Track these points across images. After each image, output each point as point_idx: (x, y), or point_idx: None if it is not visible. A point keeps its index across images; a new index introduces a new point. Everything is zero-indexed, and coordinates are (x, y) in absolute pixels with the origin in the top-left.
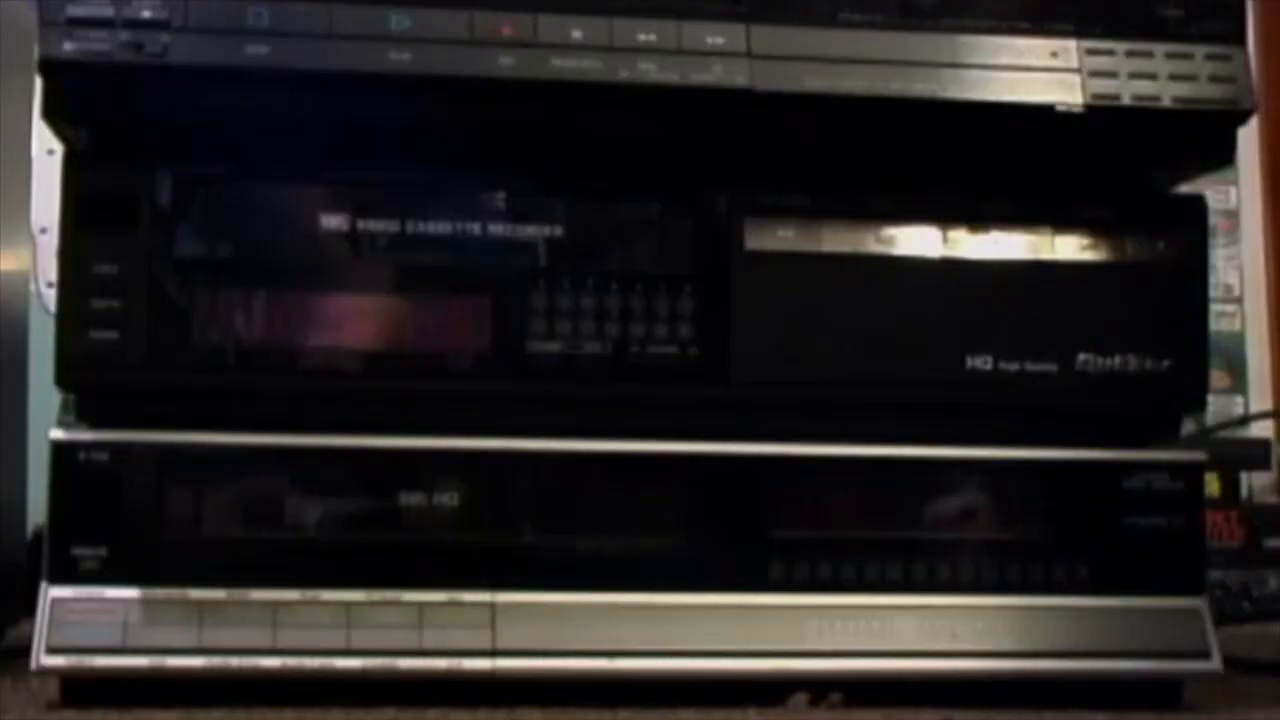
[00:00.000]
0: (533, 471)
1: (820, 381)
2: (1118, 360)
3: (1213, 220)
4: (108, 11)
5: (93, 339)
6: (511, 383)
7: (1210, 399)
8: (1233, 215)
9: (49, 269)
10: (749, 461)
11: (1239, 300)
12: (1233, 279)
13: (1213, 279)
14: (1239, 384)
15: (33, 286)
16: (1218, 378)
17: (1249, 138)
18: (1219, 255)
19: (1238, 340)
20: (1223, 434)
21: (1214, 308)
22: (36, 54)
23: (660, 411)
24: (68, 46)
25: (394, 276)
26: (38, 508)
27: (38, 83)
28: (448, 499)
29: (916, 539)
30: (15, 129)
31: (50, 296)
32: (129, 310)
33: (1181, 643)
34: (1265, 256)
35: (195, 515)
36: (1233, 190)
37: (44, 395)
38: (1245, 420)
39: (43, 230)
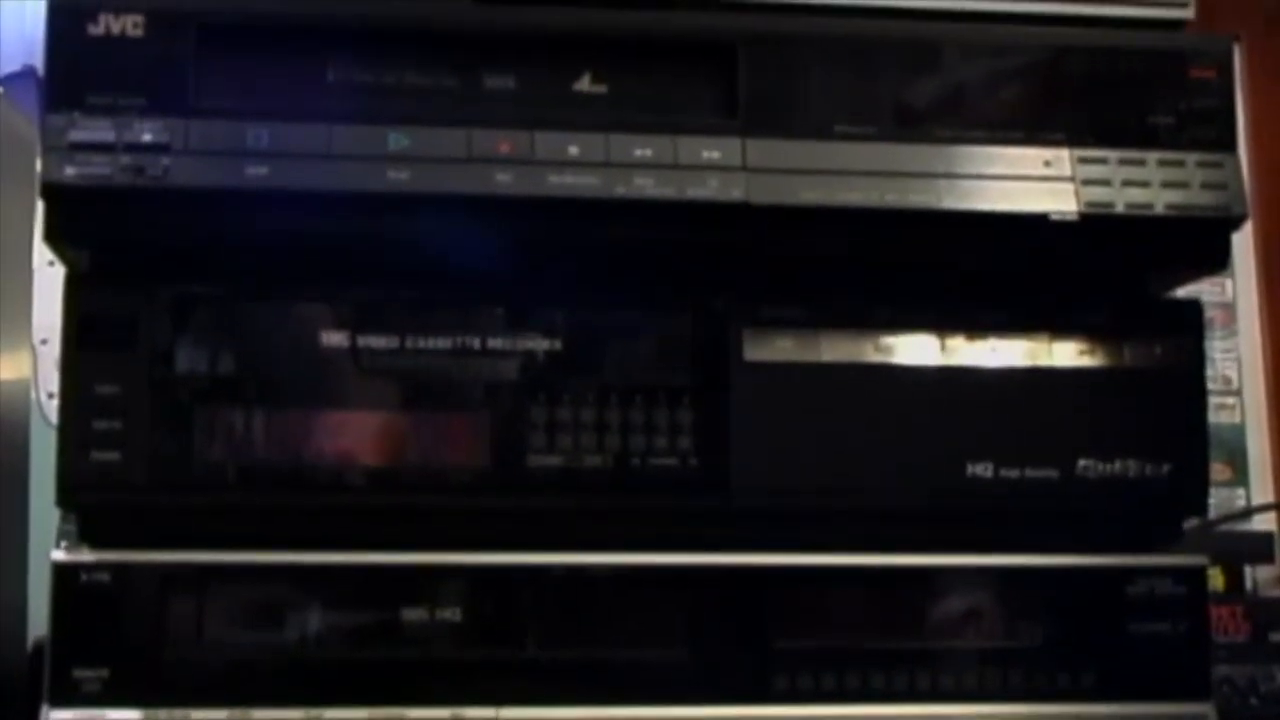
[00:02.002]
0: (535, 585)
1: (821, 491)
2: (1118, 465)
3: (1210, 313)
4: (109, 136)
5: (94, 460)
6: (512, 497)
7: (1212, 491)
8: (1229, 307)
9: (50, 380)
10: (751, 572)
11: (1238, 392)
12: (1231, 371)
13: (1211, 371)
14: (1240, 476)
15: (34, 395)
16: (1219, 470)
17: (1243, 229)
18: (1217, 348)
19: (1238, 432)
20: (1225, 527)
21: (1213, 400)
22: (38, 177)
23: (661, 523)
24: (70, 171)
25: (394, 392)
26: (38, 618)
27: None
28: (450, 614)
29: (920, 648)
30: (16, 239)
31: (51, 407)
32: (130, 430)
33: None
34: (1263, 348)
35: (197, 635)
36: (1229, 283)
37: (45, 503)
38: (1248, 513)
39: (43, 341)
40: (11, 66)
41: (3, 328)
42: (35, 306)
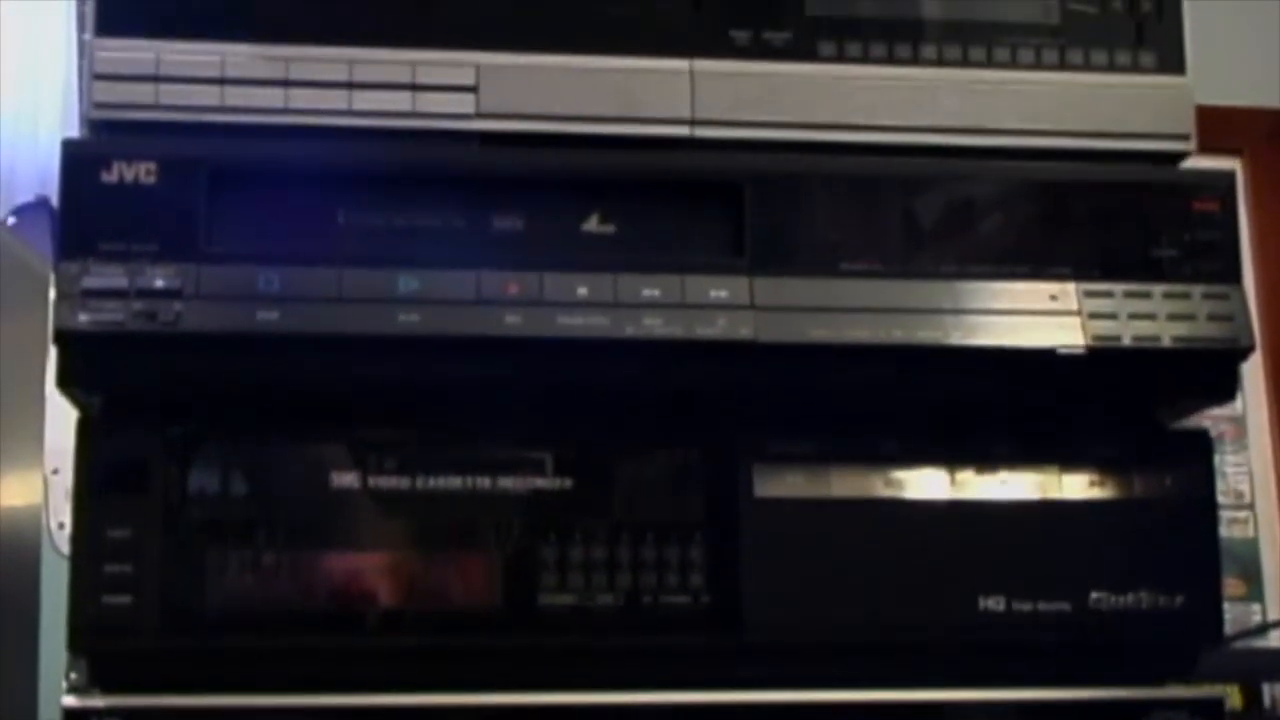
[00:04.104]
0: None
1: (834, 626)
2: (1131, 597)
3: (1220, 427)
4: (121, 282)
5: (105, 604)
6: (524, 636)
7: (1226, 607)
8: (1239, 421)
9: (61, 509)
10: (764, 710)
11: (1250, 506)
12: (1243, 485)
13: (1223, 485)
14: (1255, 591)
15: (45, 523)
16: (1232, 586)
17: None
18: (1228, 462)
19: (1251, 547)
20: (1241, 644)
21: (1225, 514)
22: (51, 324)
23: (674, 661)
24: (83, 318)
25: (405, 532)
26: None
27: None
28: None
29: None
30: (29, 368)
31: (62, 537)
32: (142, 574)
33: None
34: (1274, 461)
35: None
36: (1239, 396)
37: (54, 633)
38: (1264, 629)
39: (55, 471)
40: (25, 196)
41: (15, 456)
42: (47, 434)
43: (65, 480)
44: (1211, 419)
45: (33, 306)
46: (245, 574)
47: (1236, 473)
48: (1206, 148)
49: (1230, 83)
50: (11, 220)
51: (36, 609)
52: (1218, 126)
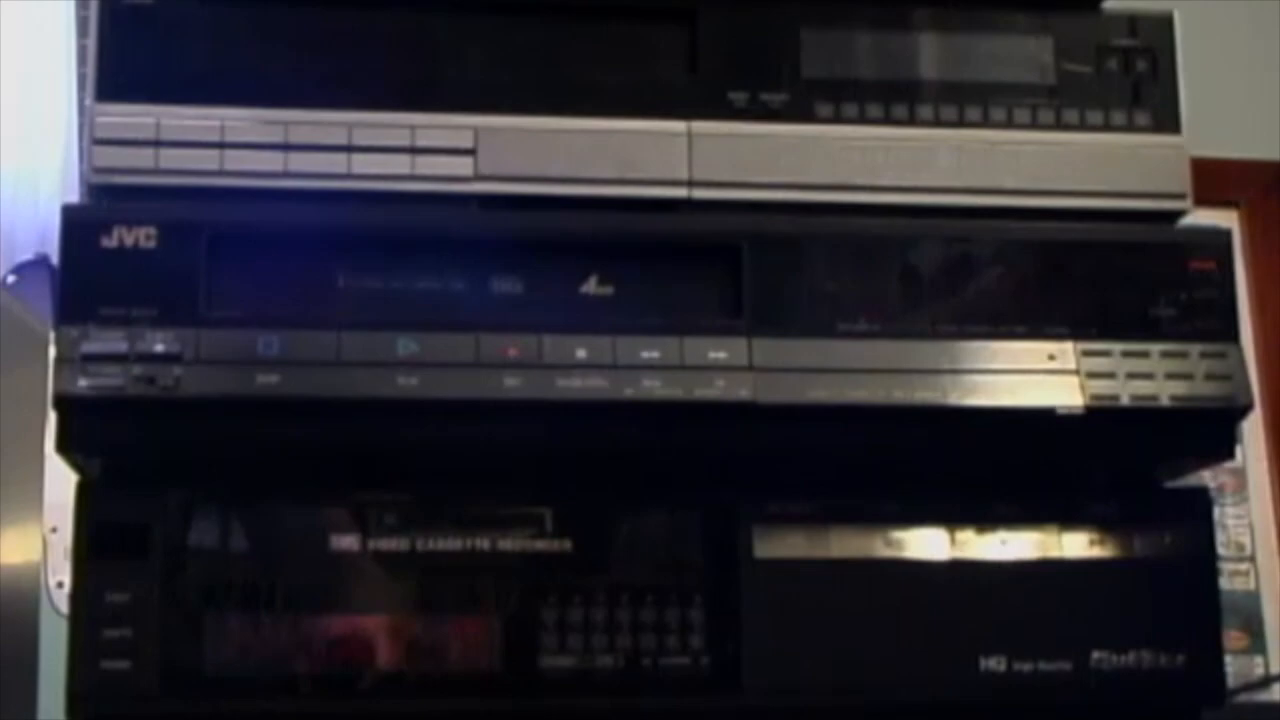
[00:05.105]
0: None
1: (835, 687)
2: (1132, 656)
3: (1220, 478)
4: (121, 347)
5: (104, 669)
6: (524, 699)
7: (1228, 660)
8: (1239, 473)
9: (60, 568)
10: None
11: (1251, 558)
12: (1244, 537)
13: (1223, 537)
14: (1257, 643)
15: (43, 582)
16: (1235, 638)
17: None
18: (1229, 514)
19: (1253, 599)
20: (1244, 698)
21: (1227, 566)
22: (50, 385)
23: None
24: (82, 383)
25: (404, 595)
26: None
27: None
28: None
29: None
30: (28, 427)
31: (61, 596)
32: (140, 638)
33: None
34: (1275, 512)
35: None
36: (1238, 448)
37: (52, 694)
38: (1266, 683)
39: (54, 529)
40: (25, 254)
41: (14, 513)
42: (46, 490)
43: (64, 538)
44: (1212, 471)
45: (32, 364)
46: (244, 638)
47: (1237, 524)
48: (1204, 201)
49: (1228, 135)
50: (11, 278)
51: (35, 668)
52: (1215, 179)
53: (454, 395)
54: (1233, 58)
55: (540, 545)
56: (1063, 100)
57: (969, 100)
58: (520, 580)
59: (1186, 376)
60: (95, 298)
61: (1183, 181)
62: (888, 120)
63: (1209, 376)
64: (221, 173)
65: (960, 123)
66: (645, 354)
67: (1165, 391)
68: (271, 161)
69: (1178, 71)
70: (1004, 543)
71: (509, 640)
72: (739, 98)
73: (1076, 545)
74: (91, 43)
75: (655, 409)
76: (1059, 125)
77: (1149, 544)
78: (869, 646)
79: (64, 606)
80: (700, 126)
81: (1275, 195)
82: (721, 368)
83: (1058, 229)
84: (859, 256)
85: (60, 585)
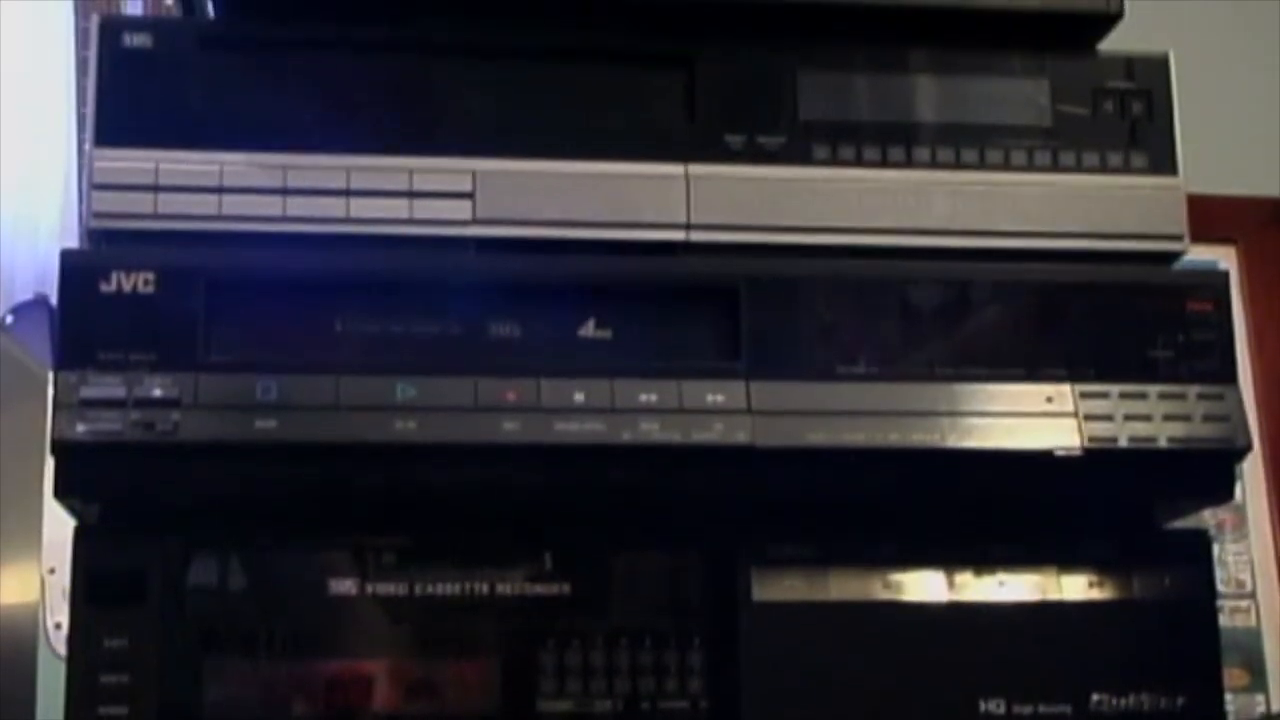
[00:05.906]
0: None
1: None
2: (1132, 699)
3: (1220, 515)
4: (119, 392)
5: (102, 715)
6: None
7: (1229, 698)
8: (1240, 510)
9: (58, 609)
10: None
11: (1252, 595)
12: (1244, 574)
13: (1224, 574)
14: (1258, 681)
15: (41, 622)
16: (1235, 676)
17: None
18: (1229, 550)
19: (1254, 636)
20: None
21: (1227, 604)
22: (49, 429)
23: None
24: (80, 429)
25: (404, 639)
26: None
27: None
28: None
29: None
30: (26, 468)
31: (59, 638)
32: (138, 684)
33: None
34: (1275, 549)
35: None
36: (1238, 485)
37: None
38: None
39: (51, 570)
40: (24, 295)
41: (12, 554)
42: (45, 531)
43: (62, 579)
44: (1211, 508)
45: (30, 405)
46: (243, 683)
47: (1237, 561)
48: (1201, 237)
49: (1225, 171)
50: (10, 319)
51: (33, 708)
52: (1212, 215)
53: (452, 439)
54: (1230, 94)
55: (539, 588)
56: (1059, 142)
57: (966, 142)
58: (519, 623)
59: (1184, 418)
60: (94, 343)
61: (1179, 223)
62: (885, 162)
63: (1207, 418)
64: (220, 217)
65: (957, 165)
66: (643, 397)
67: (1163, 433)
68: (270, 206)
69: (1174, 113)
70: (1003, 584)
71: (507, 683)
72: (736, 141)
73: (1076, 587)
74: (91, 84)
75: (653, 452)
76: (1055, 167)
77: (1148, 586)
78: (868, 689)
79: (62, 648)
80: (698, 169)
81: (1272, 231)
82: (719, 411)
83: (1055, 271)
84: (856, 299)
85: (59, 626)
